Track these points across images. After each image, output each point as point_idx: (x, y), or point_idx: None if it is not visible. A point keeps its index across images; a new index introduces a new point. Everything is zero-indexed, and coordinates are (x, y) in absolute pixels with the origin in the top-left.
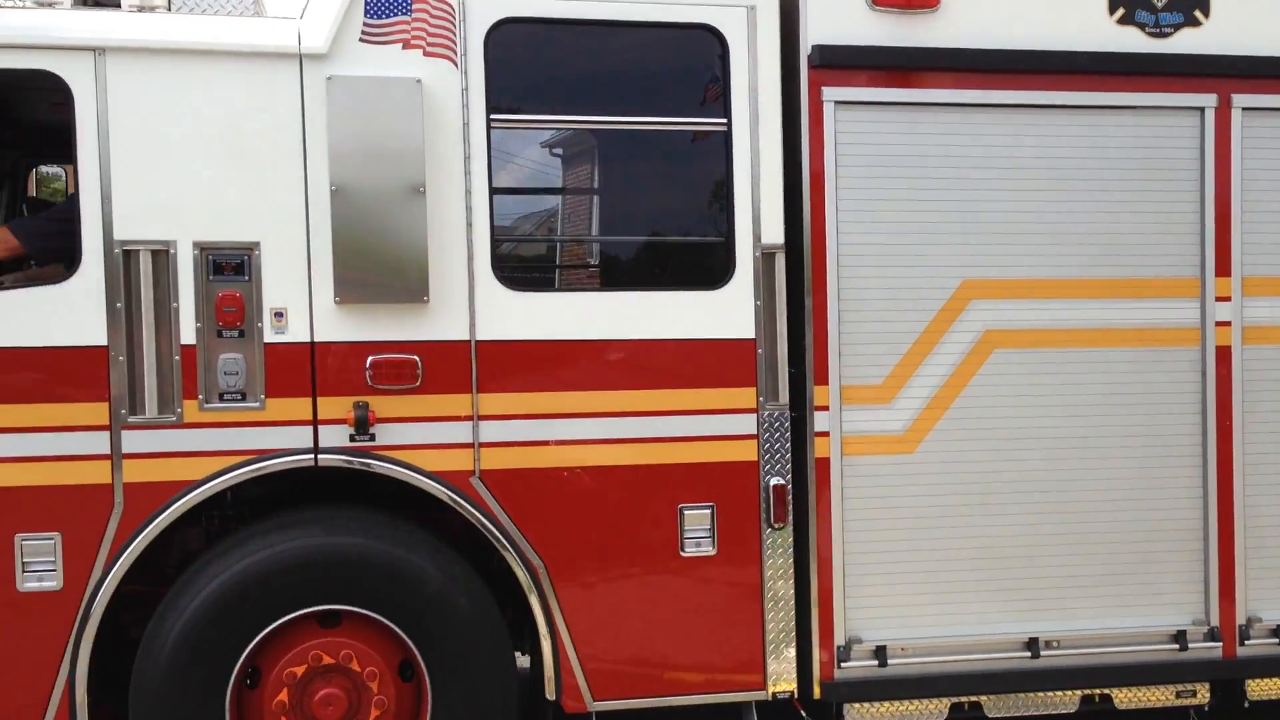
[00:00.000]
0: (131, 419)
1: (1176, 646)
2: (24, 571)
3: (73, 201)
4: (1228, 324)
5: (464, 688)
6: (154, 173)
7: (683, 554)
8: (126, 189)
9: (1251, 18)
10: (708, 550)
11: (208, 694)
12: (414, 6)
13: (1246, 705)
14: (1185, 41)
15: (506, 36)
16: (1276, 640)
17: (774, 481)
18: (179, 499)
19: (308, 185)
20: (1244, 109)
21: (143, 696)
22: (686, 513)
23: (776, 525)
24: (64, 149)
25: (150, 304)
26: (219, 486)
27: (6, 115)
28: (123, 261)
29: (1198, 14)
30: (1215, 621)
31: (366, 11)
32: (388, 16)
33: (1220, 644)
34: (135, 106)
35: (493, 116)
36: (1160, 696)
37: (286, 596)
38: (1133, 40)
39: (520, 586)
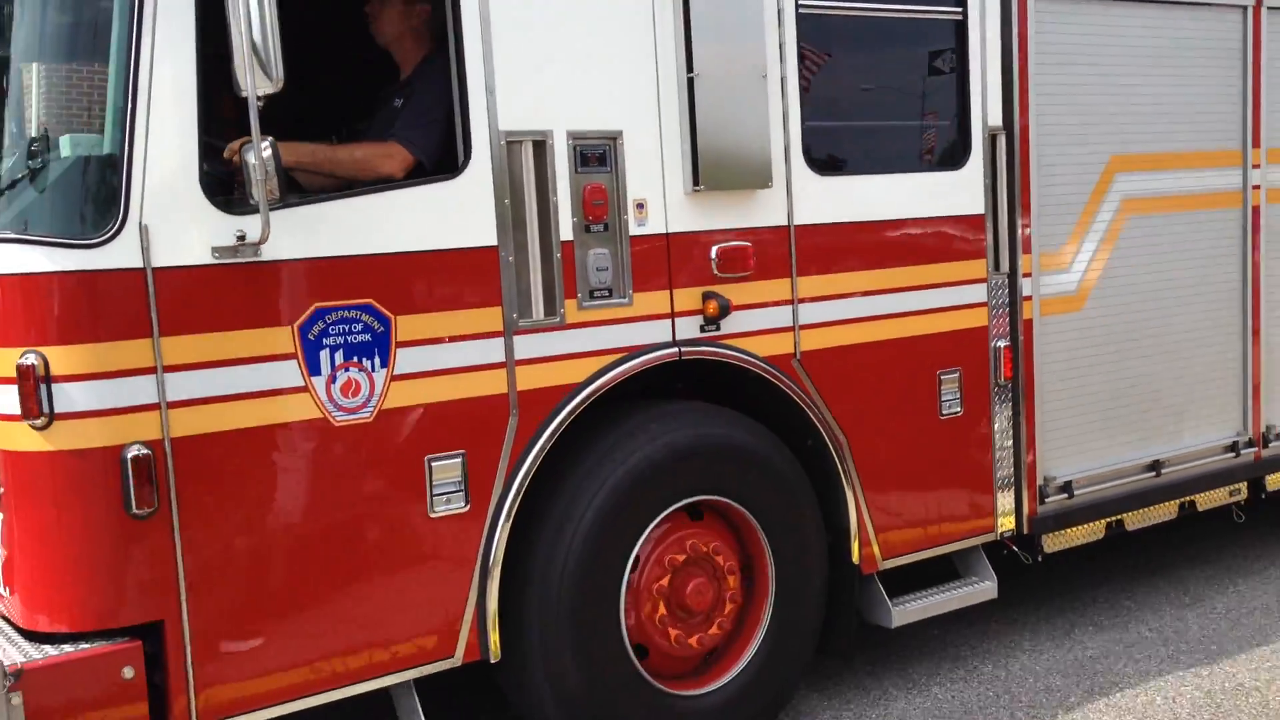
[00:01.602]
0: (522, 323)
1: (1232, 455)
2: (434, 496)
3: (444, 95)
4: (1258, 187)
5: (796, 572)
6: (527, 59)
7: (941, 416)
8: (506, 78)
9: None
10: (957, 410)
11: (610, 583)
12: None
13: (1263, 496)
14: None
15: None
16: None
17: (1000, 344)
18: (567, 403)
19: (659, 71)
20: (1268, 8)
21: (549, 595)
22: (943, 378)
23: (1002, 383)
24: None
25: (534, 199)
26: (603, 388)
27: None
28: (506, 154)
29: None
30: (1251, 433)
31: None
32: None
33: (1254, 449)
34: None
35: (800, 2)
36: (1220, 496)
37: (675, 486)
38: None
39: (829, 462)
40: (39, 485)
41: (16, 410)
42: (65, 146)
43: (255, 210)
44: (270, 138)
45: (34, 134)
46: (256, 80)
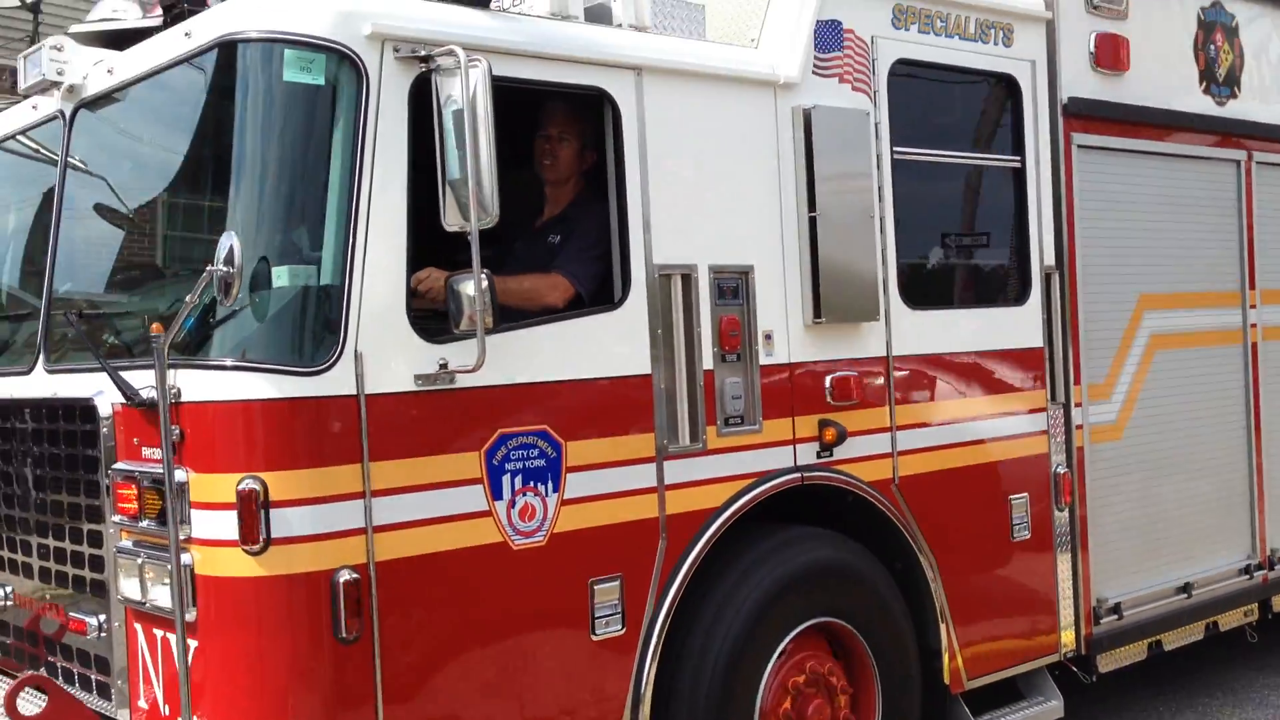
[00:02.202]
0: (671, 449)
1: (1247, 577)
2: (595, 619)
3: (603, 233)
4: (1255, 326)
5: (900, 692)
6: (676, 199)
7: (1012, 539)
8: (660, 217)
9: (1266, 94)
10: (1025, 535)
11: (747, 707)
12: (844, 42)
13: (1269, 616)
14: (1231, 109)
15: (897, 74)
16: None
17: (1060, 470)
18: (709, 525)
19: (782, 210)
20: (1258, 163)
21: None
22: (1013, 502)
23: (1061, 508)
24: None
25: (681, 329)
26: (739, 512)
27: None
28: (659, 287)
29: (1235, 89)
30: (1259, 556)
31: (816, 45)
32: (829, 51)
33: (1263, 572)
34: (662, 127)
35: (895, 149)
36: (1236, 617)
37: (800, 610)
38: (1208, 106)
39: (922, 584)
40: (248, 611)
41: (233, 535)
42: (283, 277)
43: (454, 339)
44: (487, 270)
45: (237, 265)
46: (477, 215)
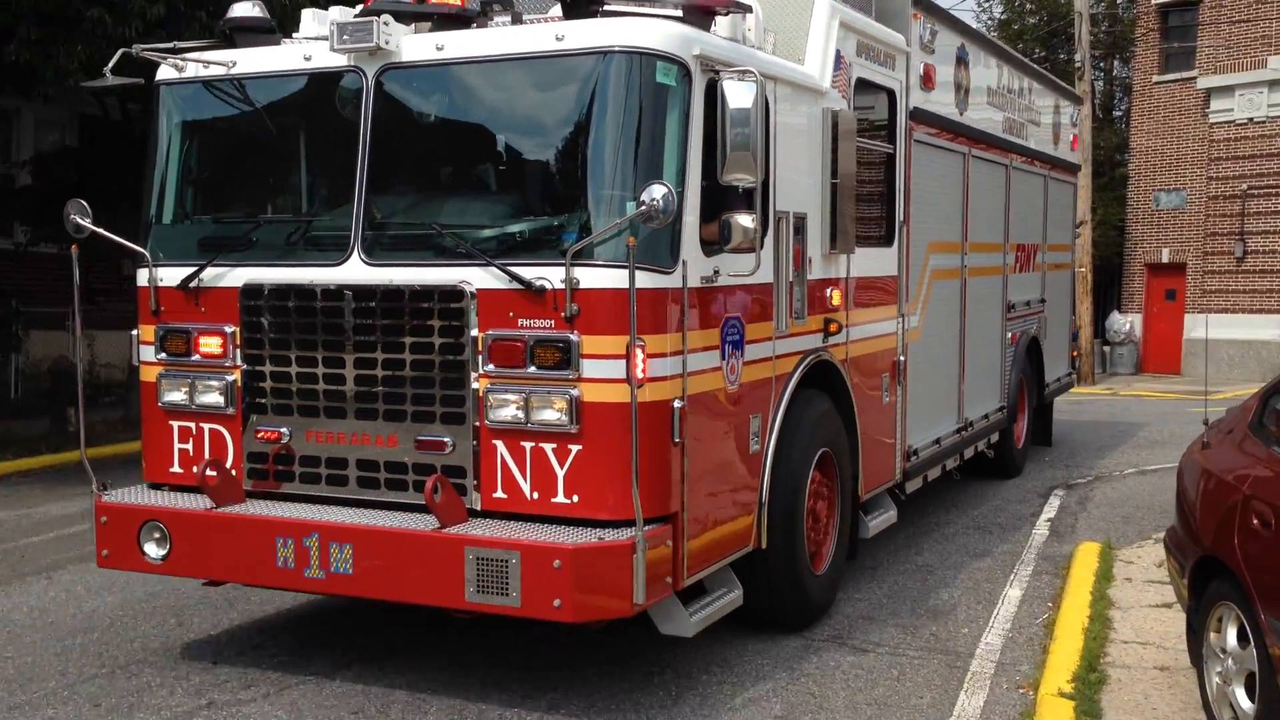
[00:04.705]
0: (775, 333)
1: (958, 435)
2: (751, 437)
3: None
4: (966, 267)
5: (845, 498)
6: (784, 165)
7: (883, 403)
8: (779, 176)
9: (980, 110)
10: (888, 399)
11: (800, 498)
12: (840, 65)
13: (963, 459)
14: (965, 118)
15: (856, 89)
16: None
17: (900, 358)
18: (788, 385)
19: (821, 177)
20: (974, 156)
21: (781, 507)
22: (883, 377)
23: (899, 383)
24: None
25: (785, 254)
26: (798, 374)
27: None
28: (775, 226)
29: (966, 105)
30: (963, 422)
31: (834, 65)
32: (836, 70)
33: (963, 432)
34: (781, 118)
35: (857, 139)
36: (953, 461)
37: (819, 437)
38: (955, 114)
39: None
40: (624, 425)
41: (619, 375)
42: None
43: (717, 253)
44: (754, 211)
45: (672, 205)
46: (754, 174)
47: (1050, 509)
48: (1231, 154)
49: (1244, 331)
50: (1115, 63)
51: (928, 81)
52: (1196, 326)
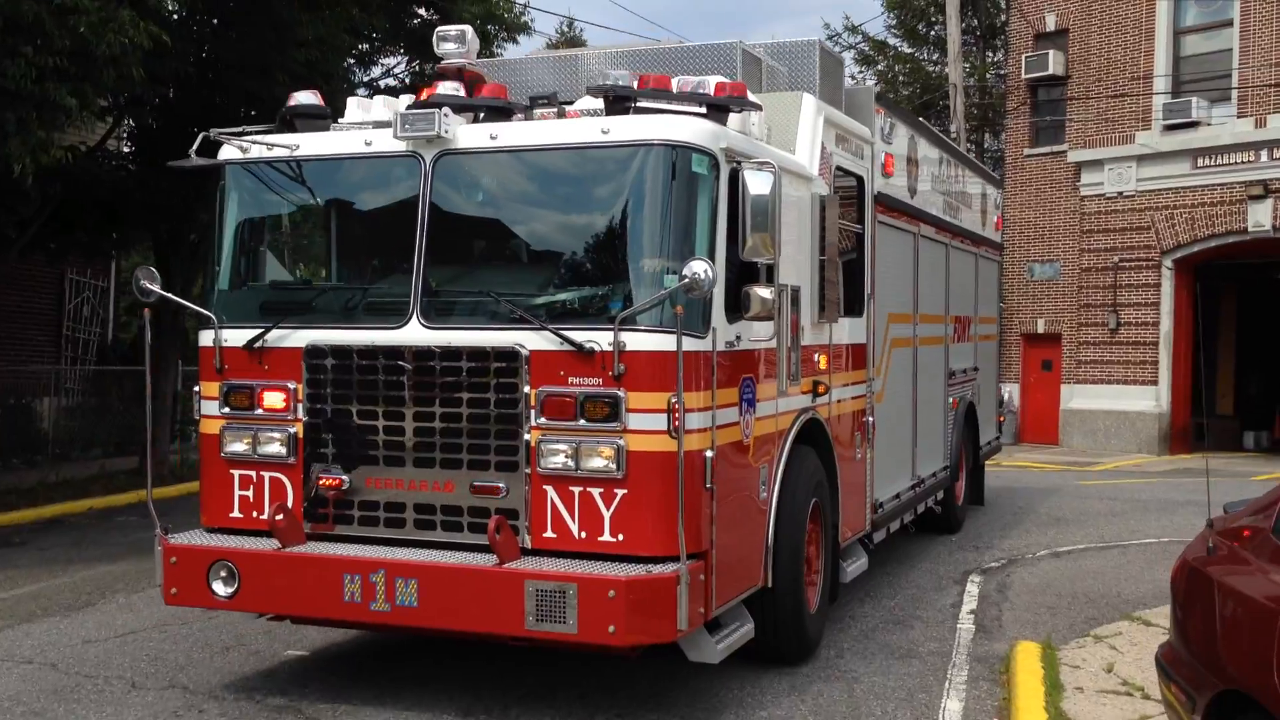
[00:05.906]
0: (777, 392)
1: (913, 491)
2: (761, 484)
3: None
4: (916, 336)
5: (830, 542)
6: (785, 244)
7: (856, 459)
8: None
9: (925, 195)
10: (860, 454)
11: (801, 539)
12: (824, 155)
13: (918, 513)
14: (915, 200)
15: (835, 175)
16: None
17: (869, 418)
18: (786, 440)
19: (811, 253)
20: (923, 237)
21: (786, 551)
22: (855, 435)
23: (869, 441)
24: None
25: (785, 323)
26: (795, 429)
27: None
28: (777, 296)
29: (915, 189)
30: (916, 479)
31: (820, 155)
32: (820, 159)
33: (918, 489)
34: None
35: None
36: (909, 516)
37: (811, 486)
38: (907, 197)
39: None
40: (665, 472)
41: (662, 427)
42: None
43: (738, 320)
44: (772, 285)
45: (710, 279)
46: (770, 252)
47: (970, 598)
48: (1103, 226)
49: (1119, 403)
50: (987, 135)
51: (888, 168)
52: (1073, 397)
